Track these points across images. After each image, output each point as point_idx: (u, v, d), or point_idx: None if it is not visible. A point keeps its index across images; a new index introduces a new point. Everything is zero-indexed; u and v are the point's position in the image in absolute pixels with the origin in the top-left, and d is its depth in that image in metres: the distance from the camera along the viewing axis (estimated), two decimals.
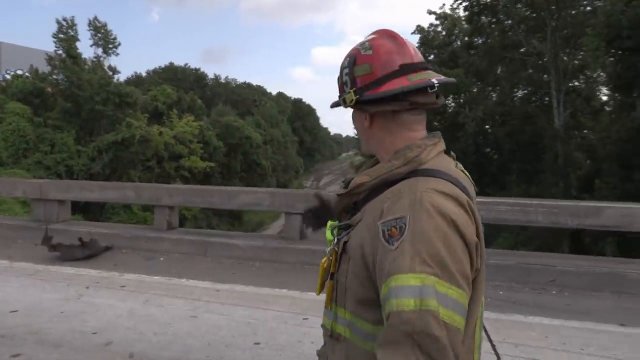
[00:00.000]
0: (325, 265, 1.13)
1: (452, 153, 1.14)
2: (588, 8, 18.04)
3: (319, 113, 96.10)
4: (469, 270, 0.94)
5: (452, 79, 1.14)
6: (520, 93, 21.16)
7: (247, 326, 3.79)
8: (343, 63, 1.13)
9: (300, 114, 75.63)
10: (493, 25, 20.11)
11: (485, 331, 1.26)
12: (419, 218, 0.93)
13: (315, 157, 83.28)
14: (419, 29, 25.15)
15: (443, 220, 0.93)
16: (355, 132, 1.24)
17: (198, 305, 4.24)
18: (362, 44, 1.10)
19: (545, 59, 19.35)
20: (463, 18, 22.63)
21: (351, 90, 1.08)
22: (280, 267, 5.57)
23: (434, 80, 1.03)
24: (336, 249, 1.10)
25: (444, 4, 24.34)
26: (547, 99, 20.87)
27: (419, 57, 1.09)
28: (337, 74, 1.15)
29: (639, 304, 4.50)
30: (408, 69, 1.05)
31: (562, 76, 19.19)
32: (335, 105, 1.16)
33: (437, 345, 0.86)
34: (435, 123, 25.02)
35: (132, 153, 26.55)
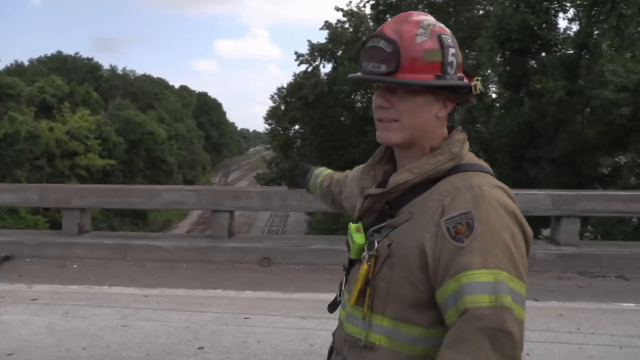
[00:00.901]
0: (364, 271, 1.01)
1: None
2: (481, 12, 19.70)
3: (225, 107, 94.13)
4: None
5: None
6: None
7: (186, 331, 3.60)
8: (441, 40, 1.00)
9: (205, 109, 73.41)
10: None
11: None
12: (486, 213, 0.91)
13: (222, 152, 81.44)
14: (327, 25, 25.61)
15: (507, 215, 0.93)
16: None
17: (128, 313, 3.93)
18: (423, 25, 1.01)
19: None
20: (369, 16, 23.45)
21: (459, 75, 1.02)
22: (210, 267, 5.36)
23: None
24: (376, 254, 1.01)
25: (350, 1, 24.94)
26: None
27: None
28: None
29: (546, 279, 5.01)
30: None
31: None
32: (443, 84, 1.00)
33: (512, 341, 0.86)
34: (342, 118, 25.74)
35: (17, 151, 23.92)
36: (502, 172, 16.12)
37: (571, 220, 5.39)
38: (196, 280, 4.94)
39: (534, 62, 15.31)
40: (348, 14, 24.96)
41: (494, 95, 23.36)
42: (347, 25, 25.87)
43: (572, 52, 15.13)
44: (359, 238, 1.06)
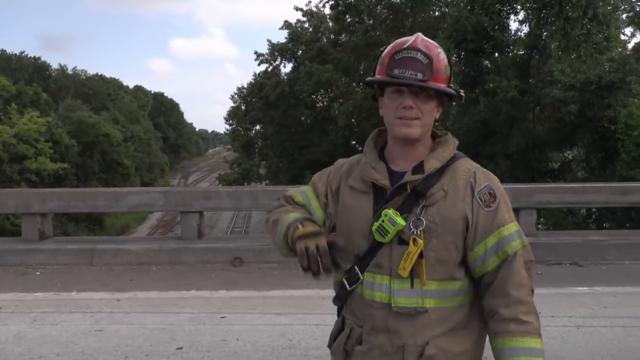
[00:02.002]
0: (420, 245, 1.21)
1: None
2: (437, 13, 20.24)
3: (182, 108, 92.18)
4: None
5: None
6: None
7: (163, 332, 3.58)
8: (445, 59, 1.28)
9: (162, 109, 71.64)
10: (357, 25, 21.37)
11: None
12: (496, 184, 1.30)
13: (181, 154, 79.69)
14: (287, 25, 25.58)
15: (499, 183, 1.32)
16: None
17: (101, 318, 3.87)
18: (438, 46, 1.30)
19: None
20: (329, 16, 23.60)
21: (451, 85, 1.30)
22: (181, 269, 5.32)
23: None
24: (422, 230, 1.22)
25: (310, 1, 25.02)
26: None
27: None
28: (428, 61, 1.24)
29: None
30: None
31: None
32: (450, 93, 1.29)
33: (534, 264, 1.28)
34: (303, 118, 25.79)
35: None
36: None
37: (528, 212, 5.69)
38: (168, 282, 4.90)
39: (488, 62, 15.87)
40: (307, 13, 25.03)
41: None
42: (306, 25, 25.94)
43: (523, 52, 15.78)
44: (401, 220, 1.23)
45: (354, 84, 23.04)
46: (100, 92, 49.65)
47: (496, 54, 15.97)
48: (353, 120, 22.63)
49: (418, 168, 1.28)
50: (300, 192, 1.46)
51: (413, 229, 1.22)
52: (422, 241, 1.21)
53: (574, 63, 13.85)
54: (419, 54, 1.23)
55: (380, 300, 1.27)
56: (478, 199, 1.25)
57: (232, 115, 29.42)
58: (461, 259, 1.27)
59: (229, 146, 48.34)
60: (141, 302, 4.24)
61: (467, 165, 1.31)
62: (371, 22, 21.01)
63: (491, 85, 14.91)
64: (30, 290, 4.65)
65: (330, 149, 21.90)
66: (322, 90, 23.57)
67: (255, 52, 25.78)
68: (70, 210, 6.14)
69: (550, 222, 14.37)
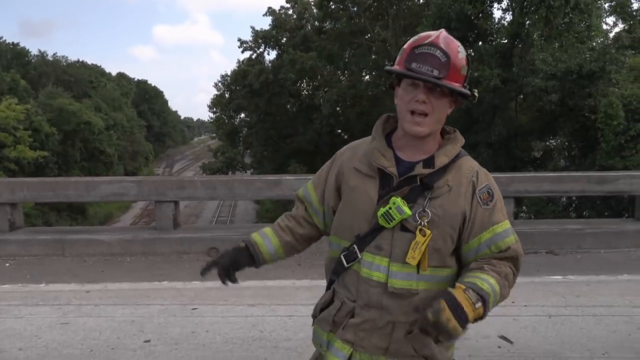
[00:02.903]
0: (429, 235, 1.31)
1: None
2: (422, 0, 20.13)
3: (167, 95, 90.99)
4: None
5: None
6: (367, 77, 22.82)
7: (131, 325, 3.50)
8: (468, 59, 1.34)
9: (145, 97, 70.63)
10: (341, 12, 21.16)
11: None
12: (493, 184, 1.40)
13: (165, 142, 78.82)
14: (271, 11, 25.24)
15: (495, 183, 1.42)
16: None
17: (68, 311, 3.77)
18: (459, 45, 1.35)
19: (388, 45, 21.09)
20: (313, 3, 23.33)
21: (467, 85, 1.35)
22: (155, 260, 5.22)
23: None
24: (427, 220, 1.31)
25: None
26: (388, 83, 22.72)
27: None
28: (445, 59, 1.29)
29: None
30: None
31: None
32: (464, 93, 1.33)
33: (522, 260, 1.41)
34: (288, 106, 25.61)
35: None
36: None
37: (506, 200, 5.64)
38: (141, 273, 4.81)
39: (471, 50, 15.89)
40: (291, 0, 24.70)
41: None
42: (290, 12, 25.63)
43: (506, 41, 15.82)
44: (408, 210, 1.31)
45: (339, 72, 22.91)
46: (82, 79, 48.71)
47: (479, 43, 15.97)
48: (338, 108, 22.55)
49: (429, 162, 1.35)
50: (303, 187, 1.61)
51: (419, 220, 1.31)
52: (429, 232, 1.31)
53: (556, 52, 13.92)
54: (438, 51, 1.27)
55: (377, 279, 1.36)
56: (478, 197, 1.35)
57: (216, 103, 29.13)
58: (454, 249, 1.37)
59: (214, 134, 47.88)
60: (111, 294, 4.15)
61: (470, 163, 1.40)
62: (355, 9, 20.84)
63: (475, 73, 14.93)
64: None
65: (315, 137, 21.83)
66: (306, 78, 23.39)
67: (239, 40, 25.52)
68: (40, 200, 6.00)
69: (531, 210, 14.54)
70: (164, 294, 4.17)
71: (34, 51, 49.23)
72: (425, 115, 1.30)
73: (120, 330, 3.42)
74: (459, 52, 1.30)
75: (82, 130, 34.56)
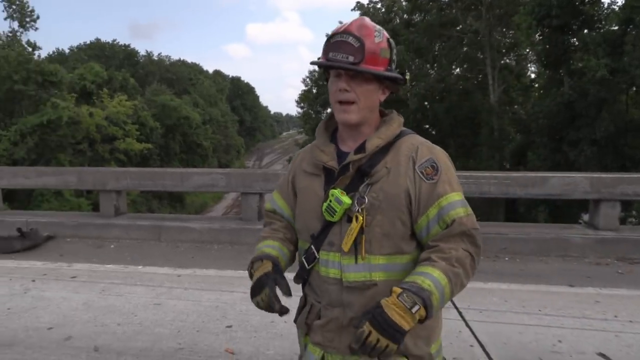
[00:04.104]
0: (360, 222, 1.26)
1: None
2: None
3: (258, 91, 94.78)
4: None
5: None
6: (458, 70, 21.94)
7: (216, 310, 3.69)
8: (389, 42, 1.32)
9: (239, 93, 74.06)
10: (431, 3, 20.52)
11: (452, 300, 1.54)
12: (440, 157, 1.31)
13: (256, 136, 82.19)
14: (359, 6, 25.18)
15: (446, 156, 1.34)
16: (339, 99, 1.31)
17: (161, 292, 4.06)
18: (378, 29, 1.32)
19: (480, 37, 20.10)
20: None
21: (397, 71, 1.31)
22: (240, 249, 5.46)
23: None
24: (364, 207, 1.26)
25: None
26: (480, 76, 21.74)
27: None
28: (381, 45, 1.29)
29: (583, 265, 4.85)
30: None
31: (495, 53, 20.01)
32: (382, 75, 1.30)
33: (479, 234, 1.29)
34: None
35: (60, 136, 24.73)
36: (540, 155, 15.59)
37: (610, 204, 5.18)
38: (227, 261, 5.05)
39: (575, 39, 14.57)
40: None
41: (532, 75, 22.52)
42: (379, 6, 25.34)
43: (616, 28, 14.31)
44: (347, 199, 1.27)
45: (427, 65, 22.25)
46: (183, 76, 52.24)
47: (585, 31, 14.62)
48: (425, 103, 21.95)
49: (360, 148, 1.32)
50: (270, 201, 1.58)
51: (357, 207, 1.27)
52: (362, 218, 1.26)
53: None
54: (351, 37, 1.25)
55: (334, 276, 1.33)
56: (419, 173, 1.28)
57: (304, 99, 29.70)
58: (410, 232, 1.30)
59: (301, 129, 49.01)
60: (199, 279, 4.40)
61: (411, 141, 1.34)
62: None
63: (578, 64, 13.72)
64: (104, 262, 5.01)
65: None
66: None
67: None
68: (140, 188, 6.51)
69: None
70: (246, 282, 4.29)
71: (142, 52, 53.75)
72: (352, 103, 1.28)
73: (205, 314, 3.61)
74: (376, 36, 1.28)
75: (181, 125, 37.16)
